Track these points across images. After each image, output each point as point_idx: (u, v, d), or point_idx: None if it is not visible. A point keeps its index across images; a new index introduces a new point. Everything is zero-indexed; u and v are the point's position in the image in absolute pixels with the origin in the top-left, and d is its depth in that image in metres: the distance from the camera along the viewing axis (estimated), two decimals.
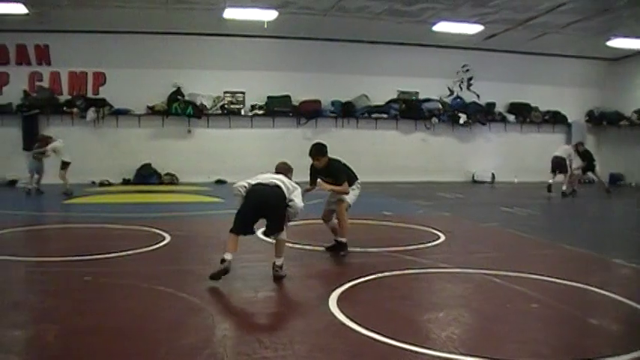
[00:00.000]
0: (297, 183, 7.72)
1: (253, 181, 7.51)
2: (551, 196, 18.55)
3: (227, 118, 22.98)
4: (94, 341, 5.15)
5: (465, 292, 7.09)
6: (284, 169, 8.00)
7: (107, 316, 5.91)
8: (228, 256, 7.18)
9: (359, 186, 9.21)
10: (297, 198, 7.51)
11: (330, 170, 8.73)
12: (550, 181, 19.15)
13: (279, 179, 7.55)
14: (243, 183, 7.52)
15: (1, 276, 7.60)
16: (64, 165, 17.70)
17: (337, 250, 8.76)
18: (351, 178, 8.98)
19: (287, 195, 7.42)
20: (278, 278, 7.31)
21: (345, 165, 9.08)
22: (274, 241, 7.52)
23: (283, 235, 7.48)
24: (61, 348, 5.05)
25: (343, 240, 8.72)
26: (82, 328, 5.52)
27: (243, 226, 7.37)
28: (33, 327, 5.63)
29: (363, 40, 23.11)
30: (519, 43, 22.99)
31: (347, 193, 8.78)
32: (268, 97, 23.20)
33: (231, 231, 7.34)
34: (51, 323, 5.62)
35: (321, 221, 9.20)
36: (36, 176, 17.65)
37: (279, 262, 7.39)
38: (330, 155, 8.90)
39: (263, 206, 7.36)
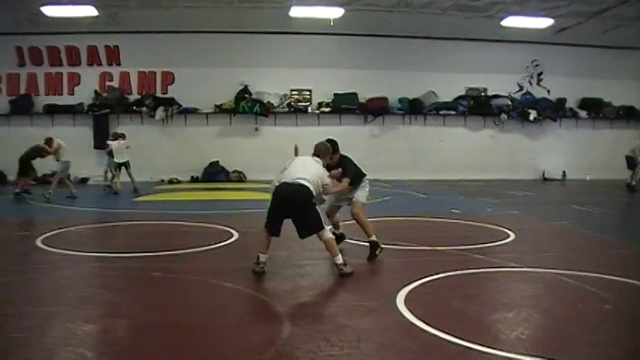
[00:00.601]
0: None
1: (282, 179, 7.56)
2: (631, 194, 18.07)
3: (294, 116, 23.06)
4: (162, 336, 5.24)
5: (535, 292, 6.93)
6: (321, 151, 8.11)
7: (175, 312, 6.00)
8: (262, 258, 7.38)
9: (367, 182, 8.84)
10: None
11: (340, 165, 8.45)
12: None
13: (304, 178, 7.46)
14: (276, 180, 7.63)
15: (72, 271, 7.78)
16: (119, 166, 17.87)
17: (372, 250, 8.40)
18: (358, 175, 8.66)
19: (314, 191, 7.42)
20: (344, 276, 7.31)
21: (352, 162, 8.74)
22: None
23: (326, 235, 7.45)
24: (130, 342, 5.16)
25: (373, 238, 8.43)
26: (151, 323, 5.63)
27: (271, 223, 7.48)
28: (104, 321, 5.76)
29: (430, 36, 22.83)
30: (591, 36, 22.37)
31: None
32: (335, 95, 23.18)
33: (265, 226, 7.50)
34: (121, 318, 5.76)
35: (389, 218, 9.11)
36: (109, 174, 18.04)
37: (338, 260, 7.38)
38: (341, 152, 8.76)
39: (286, 207, 7.41)
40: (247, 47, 22.33)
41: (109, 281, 7.33)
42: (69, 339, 5.11)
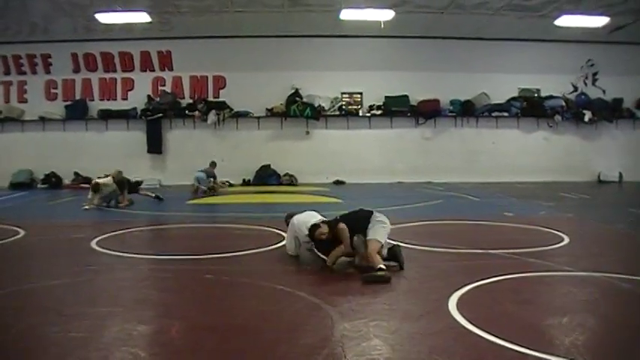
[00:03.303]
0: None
1: None
2: None
3: (345, 119, 23.06)
4: (214, 338, 5.29)
5: (590, 297, 6.76)
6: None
7: (228, 314, 6.06)
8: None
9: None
10: None
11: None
12: None
13: None
14: None
15: (127, 273, 7.89)
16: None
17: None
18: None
19: None
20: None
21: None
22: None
23: None
24: (183, 343, 5.21)
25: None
26: (204, 324, 5.67)
27: None
28: (157, 322, 5.83)
29: (482, 37, 22.61)
30: None
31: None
32: (386, 97, 23.10)
33: None
34: (174, 319, 5.81)
35: (441, 222, 9.03)
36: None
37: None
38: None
39: None
40: (298, 51, 22.47)
41: (162, 283, 7.42)
42: (124, 339, 5.18)
